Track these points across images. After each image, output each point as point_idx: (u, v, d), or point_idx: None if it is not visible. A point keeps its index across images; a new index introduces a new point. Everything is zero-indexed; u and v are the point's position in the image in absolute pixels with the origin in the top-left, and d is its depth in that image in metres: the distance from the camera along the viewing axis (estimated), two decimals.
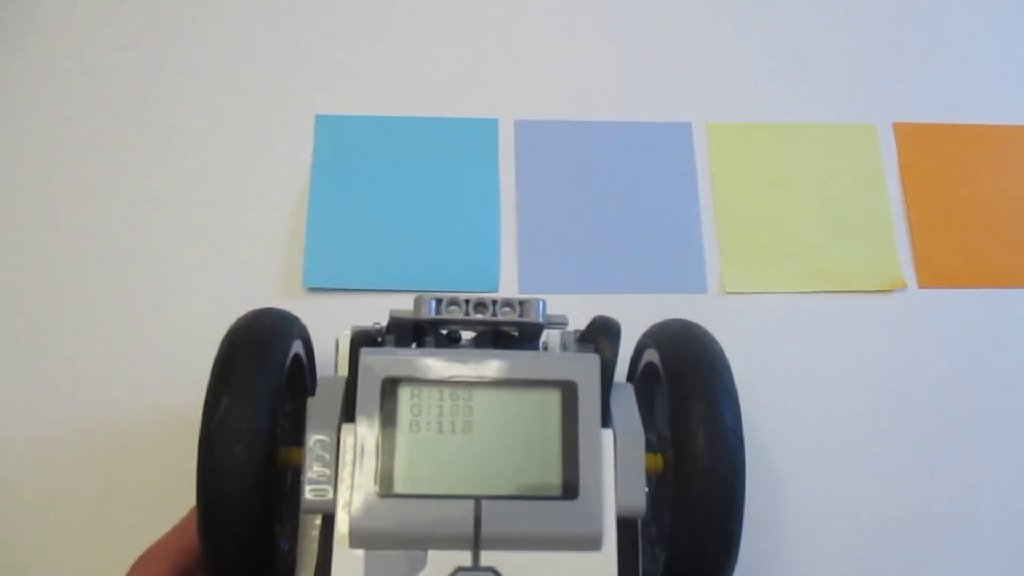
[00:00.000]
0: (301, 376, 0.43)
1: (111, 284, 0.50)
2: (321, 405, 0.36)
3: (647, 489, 0.35)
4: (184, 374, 0.47)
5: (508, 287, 0.51)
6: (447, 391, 0.35)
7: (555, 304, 0.50)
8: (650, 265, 0.52)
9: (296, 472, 0.36)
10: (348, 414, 0.35)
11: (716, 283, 0.52)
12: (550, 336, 0.42)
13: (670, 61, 0.57)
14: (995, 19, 0.59)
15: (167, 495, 0.44)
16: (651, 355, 0.41)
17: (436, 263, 0.51)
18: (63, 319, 0.49)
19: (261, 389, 0.35)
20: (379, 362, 0.35)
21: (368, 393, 0.34)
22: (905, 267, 0.53)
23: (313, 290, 0.50)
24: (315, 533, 0.38)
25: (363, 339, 0.38)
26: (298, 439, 0.36)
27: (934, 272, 0.53)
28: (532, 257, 0.52)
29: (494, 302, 0.38)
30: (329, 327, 0.47)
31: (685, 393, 0.36)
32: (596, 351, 0.38)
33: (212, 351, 0.37)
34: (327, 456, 0.34)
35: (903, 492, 0.49)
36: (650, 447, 0.41)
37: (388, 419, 0.34)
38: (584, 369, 0.35)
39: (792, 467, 0.49)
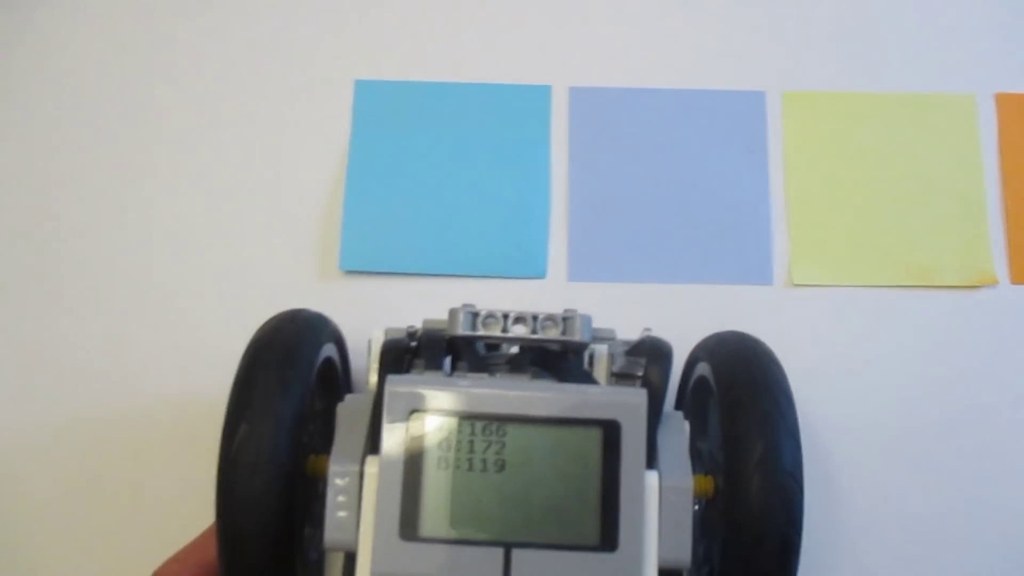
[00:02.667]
0: (334, 377, 0.41)
1: (146, 266, 0.48)
2: (346, 428, 0.34)
3: (695, 509, 0.33)
4: (219, 360, 0.45)
5: (556, 274, 0.48)
6: (479, 425, 0.32)
7: (606, 293, 0.48)
8: (710, 253, 0.48)
9: (326, 481, 0.34)
10: (373, 444, 0.33)
11: (783, 274, 0.48)
12: (597, 347, 0.39)
13: (741, 22, 0.51)
14: None
15: (190, 494, 0.44)
16: (704, 370, 0.38)
17: (480, 246, 0.48)
18: (96, 304, 0.48)
19: (282, 412, 0.33)
20: (406, 391, 0.32)
21: (393, 424, 0.32)
22: (998, 261, 0.48)
23: (350, 273, 0.48)
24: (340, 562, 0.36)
25: (392, 355, 0.36)
26: (329, 444, 0.34)
27: None
28: (584, 241, 0.48)
29: (535, 317, 0.35)
30: (367, 314, 0.46)
31: (741, 430, 0.33)
32: (644, 377, 0.35)
33: (245, 340, 0.35)
34: (349, 491, 0.32)
35: (988, 507, 0.45)
36: (701, 465, 0.38)
37: (414, 454, 0.32)
38: (630, 406, 0.32)
39: (861, 480, 0.45)
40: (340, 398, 0.37)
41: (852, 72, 0.51)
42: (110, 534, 0.45)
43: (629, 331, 0.39)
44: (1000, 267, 0.48)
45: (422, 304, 0.41)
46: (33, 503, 0.45)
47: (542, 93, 0.51)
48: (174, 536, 0.40)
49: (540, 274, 0.48)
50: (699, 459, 0.39)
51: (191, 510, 0.42)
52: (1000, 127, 0.49)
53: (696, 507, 0.36)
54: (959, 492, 0.45)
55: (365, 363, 0.42)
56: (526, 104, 0.50)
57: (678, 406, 0.42)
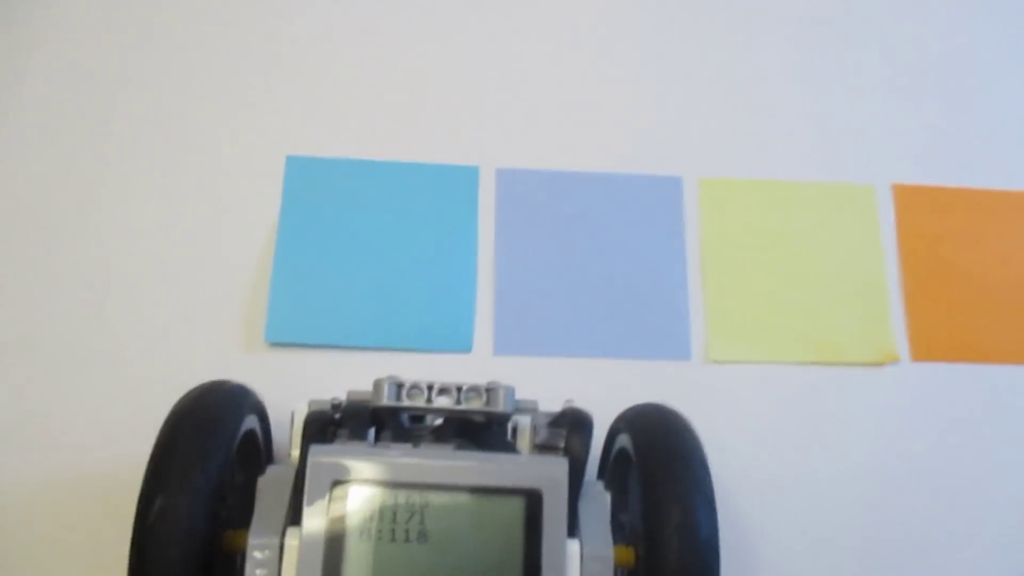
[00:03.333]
0: (256, 450, 0.41)
1: (65, 332, 0.47)
2: (266, 501, 0.34)
3: None
4: (139, 430, 0.44)
5: (482, 347, 0.49)
6: (401, 496, 0.32)
7: (531, 367, 0.49)
8: (632, 329, 0.50)
9: (244, 556, 0.33)
10: (295, 515, 0.32)
11: (701, 350, 0.50)
12: (520, 418, 0.40)
13: (661, 111, 0.54)
14: (1005, 80, 0.57)
15: (107, 562, 0.42)
16: (624, 441, 0.39)
17: (407, 319, 0.49)
18: (14, 370, 0.46)
19: (201, 485, 0.32)
20: (328, 461, 0.32)
21: (315, 495, 0.32)
22: (899, 339, 0.51)
23: (276, 345, 0.48)
24: None
25: (315, 426, 0.36)
26: (249, 518, 0.34)
27: (929, 345, 0.50)
28: (509, 316, 0.49)
29: (459, 388, 0.36)
30: (292, 386, 0.45)
31: (659, 497, 0.34)
32: (566, 447, 0.36)
33: (166, 410, 0.35)
34: (269, 564, 0.32)
35: (892, 573, 0.46)
36: (623, 535, 0.39)
37: (335, 525, 0.32)
38: (551, 475, 0.33)
39: (776, 546, 0.46)
40: (261, 472, 0.36)
41: (763, 161, 0.54)
42: None
43: (553, 403, 0.40)
44: (901, 345, 0.51)
45: (348, 377, 0.40)
46: None
47: (470, 173, 0.52)
48: None
49: (466, 347, 0.49)
50: (621, 530, 0.39)
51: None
52: (897, 215, 0.53)
53: None
54: (864, 555, 0.46)
55: (288, 437, 0.41)
56: (454, 183, 0.52)
57: (600, 478, 0.43)
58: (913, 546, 0.47)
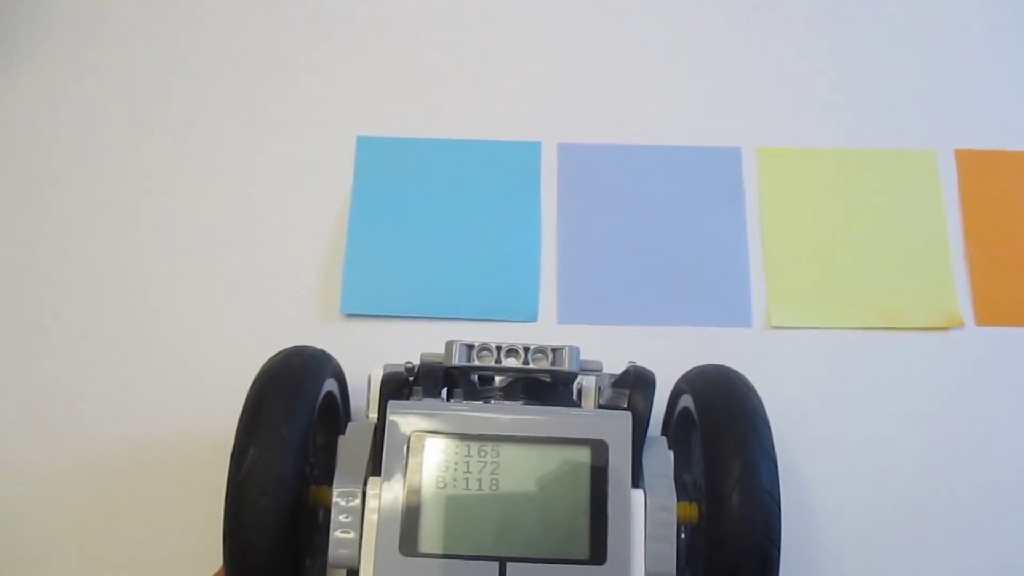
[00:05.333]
0: (335, 412, 0.43)
1: (150, 310, 0.50)
2: (349, 454, 0.36)
3: (681, 537, 0.34)
4: (222, 402, 0.47)
5: (547, 317, 0.50)
6: (474, 447, 0.34)
7: (594, 335, 0.50)
8: (693, 297, 0.51)
9: (328, 510, 0.35)
10: (375, 467, 0.35)
11: (761, 317, 0.51)
12: (585, 379, 0.41)
13: (719, 83, 0.55)
14: None
15: (196, 529, 0.45)
16: (687, 401, 0.40)
17: (474, 291, 0.51)
18: (99, 344, 0.50)
19: (289, 438, 0.35)
20: (405, 416, 0.34)
21: (394, 448, 0.34)
22: (963, 304, 0.51)
23: (351, 316, 0.50)
24: None
25: (392, 385, 0.38)
26: (330, 476, 0.36)
27: (993, 310, 0.50)
28: (572, 286, 0.51)
29: (526, 349, 0.37)
30: (366, 354, 0.47)
31: (720, 451, 0.35)
32: (629, 403, 0.37)
33: (249, 378, 0.37)
34: (353, 511, 0.34)
35: (954, 541, 0.47)
36: (686, 493, 0.40)
37: (413, 475, 0.34)
38: (615, 428, 0.34)
39: (838, 512, 0.47)
40: (341, 432, 0.38)
41: (823, 128, 0.54)
42: (119, 571, 0.46)
43: (617, 369, 0.42)
44: (965, 310, 0.51)
45: (420, 345, 0.42)
46: (38, 543, 0.46)
47: (533, 149, 0.54)
48: (183, 568, 0.41)
49: (532, 317, 0.50)
50: (685, 489, 0.41)
51: (199, 543, 0.44)
52: (960, 180, 0.53)
53: (682, 535, 0.38)
54: (927, 520, 0.47)
55: (364, 401, 0.44)
56: (518, 159, 0.54)
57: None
58: (975, 512, 0.47)
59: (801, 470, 0.48)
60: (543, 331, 0.50)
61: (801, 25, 0.57)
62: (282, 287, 0.51)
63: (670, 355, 0.49)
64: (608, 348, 0.49)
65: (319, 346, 0.42)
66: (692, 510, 0.36)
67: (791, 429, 0.48)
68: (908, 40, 0.56)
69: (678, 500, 0.36)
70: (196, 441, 0.48)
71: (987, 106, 0.55)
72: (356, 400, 0.46)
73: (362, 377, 0.44)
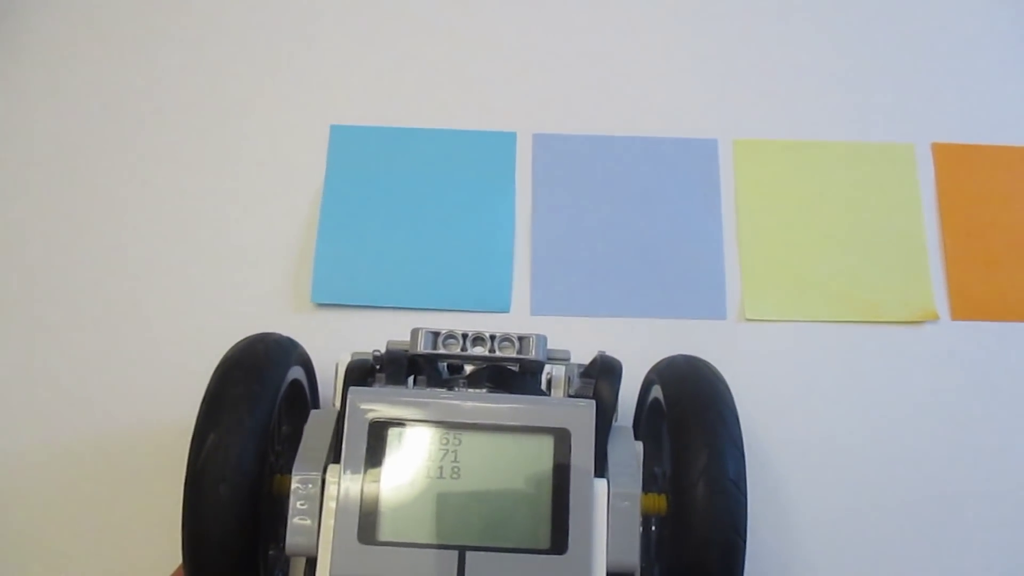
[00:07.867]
0: (302, 401, 0.43)
1: (115, 295, 0.50)
2: (310, 441, 0.36)
3: (646, 528, 0.34)
4: (190, 391, 0.46)
5: (520, 308, 0.50)
6: (436, 434, 0.34)
7: (568, 327, 0.50)
8: (667, 289, 0.50)
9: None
10: (336, 454, 0.34)
11: (736, 309, 0.50)
12: (555, 370, 0.41)
13: (696, 74, 0.55)
14: None
15: (161, 519, 0.44)
16: (657, 392, 0.40)
17: (447, 281, 0.50)
18: (66, 332, 0.49)
19: (250, 424, 0.34)
20: (367, 403, 0.34)
21: (354, 435, 0.34)
22: (938, 298, 0.50)
23: (322, 306, 0.50)
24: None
25: (356, 373, 0.37)
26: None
27: (968, 304, 0.50)
28: (545, 277, 0.51)
29: (493, 337, 0.37)
30: (338, 344, 0.47)
31: (687, 440, 0.35)
32: (594, 392, 0.37)
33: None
34: (311, 498, 0.34)
35: (928, 534, 0.46)
36: (656, 485, 0.40)
37: (373, 462, 0.33)
38: (578, 416, 0.34)
39: (809, 506, 0.47)
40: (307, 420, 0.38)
41: (799, 121, 0.54)
42: (83, 558, 0.45)
43: (589, 360, 0.41)
44: (941, 304, 0.50)
45: (391, 335, 0.42)
46: (3, 529, 0.46)
47: (507, 139, 0.53)
48: (146, 557, 0.40)
49: (505, 308, 0.50)
50: (655, 481, 0.40)
51: (164, 533, 0.43)
52: (937, 174, 0.53)
53: (653, 527, 0.38)
54: (900, 514, 0.47)
55: (332, 389, 0.43)
56: (492, 149, 0.53)
57: (635, 432, 0.44)
58: (949, 506, 0.47)
59: (774, 463, 0.47)
60: (516, 322, 0.50)
61: (779, 18, 0.56)
62: (253, 276, 0.50)
63: (644, 347, 0.49)
64: (582, 340, 0.49)
65: (289, 335, 0.41)
66: (661, 502, 0.36)
67: (765, 422, 0.48)
68: (886, 34, 0.56)
69: (648, 492, 0.35)
70: (163, 430, 0.47)
71: (964, 100, 0.55)
72: (326, 390, 0.45)
73: (333, 366, 0.44)
